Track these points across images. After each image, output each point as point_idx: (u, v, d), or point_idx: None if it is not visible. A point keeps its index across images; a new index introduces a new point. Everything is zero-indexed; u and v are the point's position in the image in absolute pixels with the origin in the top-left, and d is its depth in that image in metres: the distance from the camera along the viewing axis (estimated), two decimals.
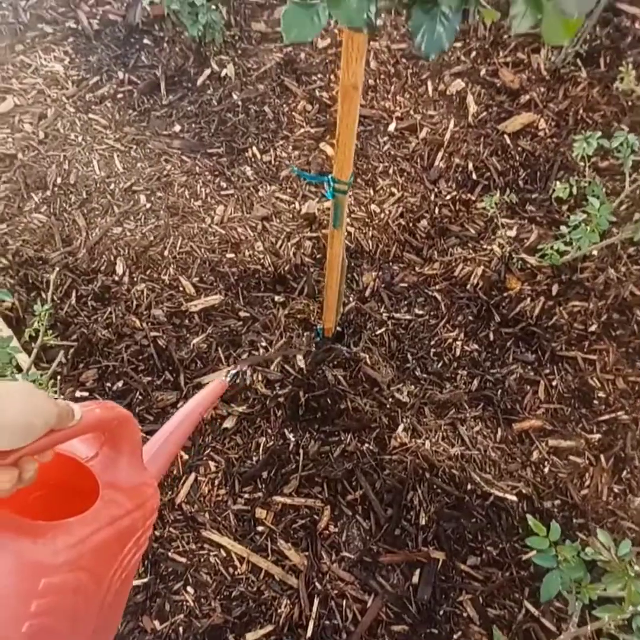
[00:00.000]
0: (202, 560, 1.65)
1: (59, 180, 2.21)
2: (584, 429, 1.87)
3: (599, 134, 1.93)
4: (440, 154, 2.34)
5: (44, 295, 1.96)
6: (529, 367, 1.98)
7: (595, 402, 1.92)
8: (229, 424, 1.84)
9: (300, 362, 1.92)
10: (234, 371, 1.32)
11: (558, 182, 2.17)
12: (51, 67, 2.50)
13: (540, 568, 1.32)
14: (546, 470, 1.81)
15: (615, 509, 1.75)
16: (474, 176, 2.29)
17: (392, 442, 1.82)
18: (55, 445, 0.52)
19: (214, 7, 2.48)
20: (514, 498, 1.76)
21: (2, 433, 0.45)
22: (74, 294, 1.99)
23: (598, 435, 1.86)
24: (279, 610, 1.60)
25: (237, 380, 1.33)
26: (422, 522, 1.72)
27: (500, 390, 1.93)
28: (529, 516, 1.37)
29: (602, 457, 1.83)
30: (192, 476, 1.77)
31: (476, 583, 1.66)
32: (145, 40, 2.64)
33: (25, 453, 0.48)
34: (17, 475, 0.48)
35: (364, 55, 0.92)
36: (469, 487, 1.77)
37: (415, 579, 1.66)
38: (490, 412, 1.90)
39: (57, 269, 2.00)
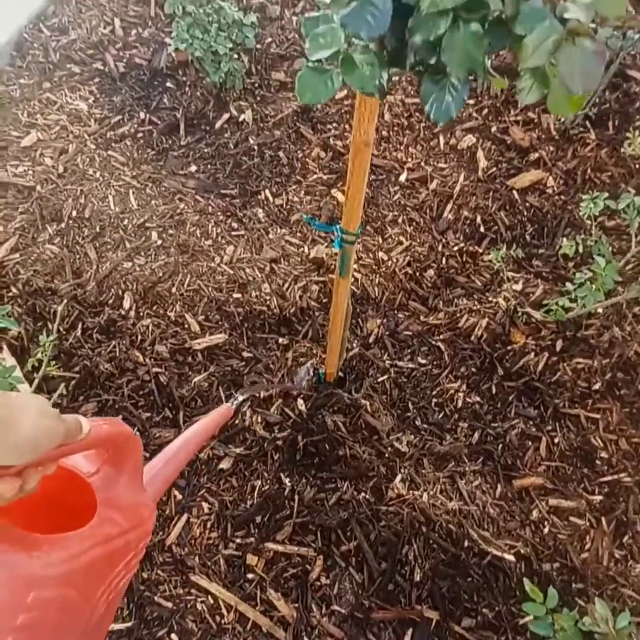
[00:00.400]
0: (188, 606, 1.61)
1: (74, 213, 2.25)
2: (586, 490, 1.84)
3: (606, 194, 1.96)
4: (449, 206, 2.37)
5: (50, 326, 1.97)
6: (531, 422, 1.96)
7: (598, 462, 1.88)
8: (225, 465, 1.82)
9: (301, 405, 1.91)
10: (241, 398, 1.30)
11: (565, 239, 2.19)
12: (76, 105, 2.59)
13: (537, 635, 1.28)
14: (546, 530, 1.77)
15: (616, 576, 1.70)
16: (482, 229, 2.32)
17: (389, 493, 1.79)
18: (60, 458, 0.52)
19: (236, 56, 2.57)
20: (512, 558, 1.71)
21: (9, 450, 0.45)
22: (80, 325, 2.00)
23: (600, 497, 1.82)
24: None
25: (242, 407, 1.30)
26: (417, 578, 1.68)
27: (501, 445, 1.90)
28: (526, 580, 1.33)
29: (603, 520, 1.78)
30: (185, 517, 1.74)
31: None
32: (168, 84, 2.74)
33: (29, 465, 0.48)
34: (19, 485, 0.48)
35: (376, 116, 0.95)
36: (466, 544, 1.73)
37: (407, 639, 1.60)
38: (490, 467, 1.87)
39: (65, 300, 2.02)
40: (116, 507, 0.62)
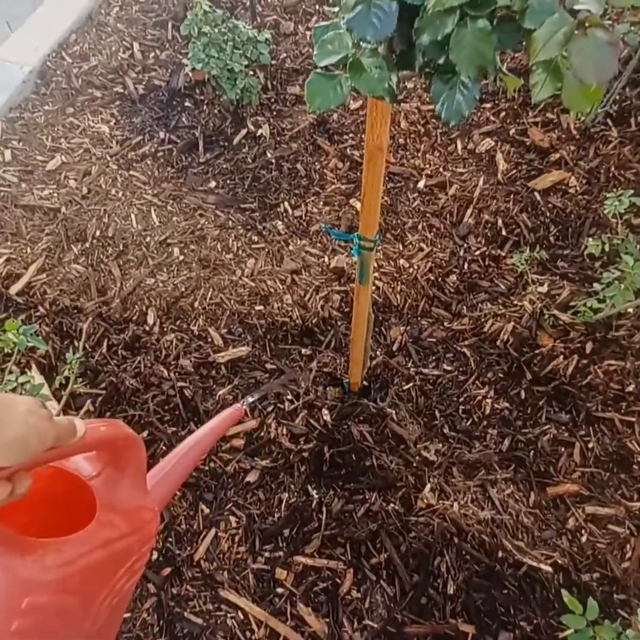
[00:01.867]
0: (218, 622, 1.60)
1: (98, 233, 2.30)
2: (624, 496, 1.77)
3: (631, 191, 1.91)
4: (469, 211, 2.35)
5: (76, 344, 2.00)
6: (563, 427, 1.90)
7: (635, 467, 1.82)
8: (251, 478, 1.81)
9: (326, 416, 1.90)
10: (251, 400, 1.28)
11: (590, 239, 2.14)
12: (98, 128, 2.65)
13: None
14: (583, 539, 1.71)
15: None
16: (504, 232, 2.29)
17: (418, 503, 1.76)
18: (52, 461, 0.51)
19: (251, 72, 2.61)
20: (549, 569, 1.66)
21: None
22: (105, 342, 2.03)
23: (639, 504, 1.76)
24: None
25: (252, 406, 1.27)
26: (450, 591, 1.64)
27: (532, 452, 1.85)
28: (564, 591, 1.29)
29: None
30: (212, 531, 1.73)
31: None
32: (186, 103, 2.78)
33: (19, 468, 0.47)
34: (9, 489, 0.47)
35: (388, 120, 0.94)
36: (500, 554, 1.68)
37: None
38: (523, 474, 1.82)
39: (91, 318, 2.05)
40: (117, 511, 0.61)
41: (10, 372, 1.92)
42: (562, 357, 2.01)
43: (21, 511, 0.56)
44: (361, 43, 0.74)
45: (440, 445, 1.86)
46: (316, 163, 2.56)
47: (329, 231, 1.21)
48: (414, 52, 0.72)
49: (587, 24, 0.63)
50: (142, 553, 0.65)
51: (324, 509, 1.75)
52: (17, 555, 0.49)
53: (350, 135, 2.65)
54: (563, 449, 1.87)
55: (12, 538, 0.49)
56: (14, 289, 2.11)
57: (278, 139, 2.63)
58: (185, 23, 2.48)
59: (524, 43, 0.71)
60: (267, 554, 1.70)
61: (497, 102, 2.63)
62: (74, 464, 0.62)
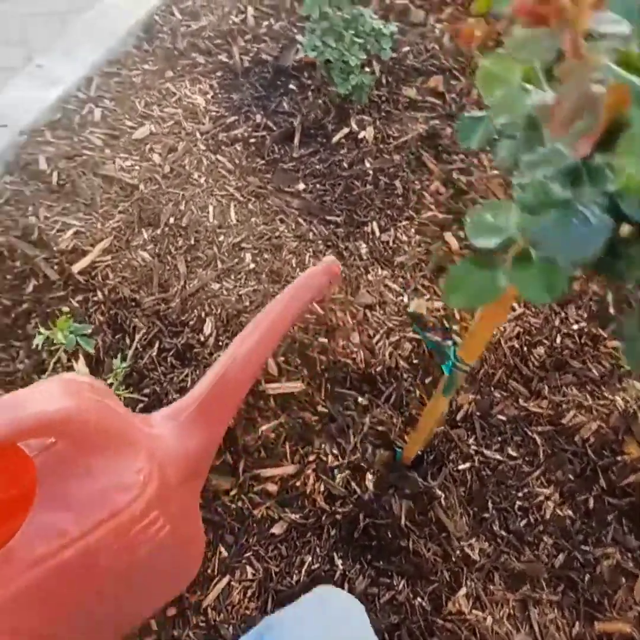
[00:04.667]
0: None
1: (171, 220, 2.16)
2: None
3: None
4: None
5: (127, 340, 1.91)
6: (629, 555, 1.69)
7: None
8: (277, 530, 1.69)
9: (369, 481, 1.75)
10: None
11: None
12: (194, 99, 2.48)
13: None
14: None
15: None
16: (611, 310, 2.01)
17: (449, 605, 1.60)
18: None
19: (367, 69, 2.36)
20: None
21: None
22: (157, 345, 1.93)
23: None
24: None
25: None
26: None
27: (588, 575, 1.65)
28: None
29: None
30: (226, 579, 1.64)
31: None
32: (291, 85, 2.57)
33: None
34: None
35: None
36: None
37: None
38: (571, 600, 1.63)
39: (147, 316, 1.95)
40: (65, 505, 0.43)
41: (58, 360, 1.86)
42: None
43: None
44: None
45: (487, 544, 1.69)
46: (416, 182, 2.32)
47: (419, 332, 1.03)
48: (620, 264, 0.51)
49: None
50: (152, 519, 0.48)
51: (346, 585, 1.63)
52: None
53: (460, 156, 2.38)
54: (624, 580, 1.66)
55: None
56: (77, 267, 2.02)
57: (381, 146, 2.40)
58: (306, 2, 2.24)
59: None
60: None
61: None
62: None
